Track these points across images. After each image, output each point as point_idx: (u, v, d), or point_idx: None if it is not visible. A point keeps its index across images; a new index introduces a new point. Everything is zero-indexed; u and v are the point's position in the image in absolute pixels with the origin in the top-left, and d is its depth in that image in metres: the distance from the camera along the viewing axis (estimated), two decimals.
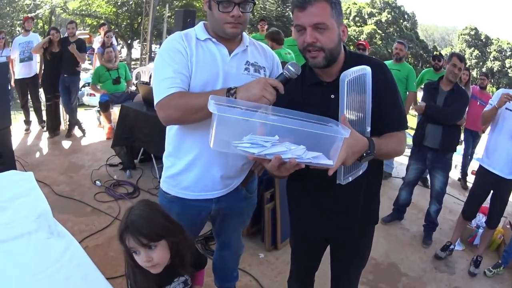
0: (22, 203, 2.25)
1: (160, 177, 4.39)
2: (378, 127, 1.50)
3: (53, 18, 25.44)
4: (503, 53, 35.33)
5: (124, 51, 24.62)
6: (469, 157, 6.02)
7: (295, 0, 1.43)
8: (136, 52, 25.66)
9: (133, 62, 23.41)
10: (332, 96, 1.52)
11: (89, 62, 12.58)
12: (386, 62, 5.10)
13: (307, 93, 1.56)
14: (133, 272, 1.50)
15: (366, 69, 1.42)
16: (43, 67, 5.94)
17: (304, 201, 1.78)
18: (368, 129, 1.47)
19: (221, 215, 1.95)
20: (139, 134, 4.42)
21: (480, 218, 4.10)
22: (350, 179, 1.47)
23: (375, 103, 1.47)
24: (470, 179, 5.62)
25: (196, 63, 1.61)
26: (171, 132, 1.79)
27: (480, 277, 3.51)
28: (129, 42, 25.77)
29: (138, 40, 23.87)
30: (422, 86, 5.37)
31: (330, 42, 1.43)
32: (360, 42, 5.61)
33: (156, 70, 1.63)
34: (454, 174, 5.53)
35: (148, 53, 14.26)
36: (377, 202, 1.82)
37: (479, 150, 6.21)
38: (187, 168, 1.75)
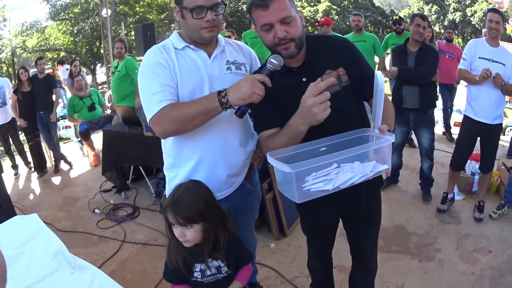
0: (35, 246, 2.21)
1: (155, 192, 4.47)
2: (365, 93, 1.58)
3: (15, 59, 25.10)
4: (463, 3, 35.28)
5: (89, 78, 24.33)
6: (449, 110, 6.14)
7: (255, 1, 1.46)
8: (100, 77, 25.39)
9: (99, 87, 23.13)
10: (304, 79, 1.57)
11: None
12: (348, 36, 5.15)
13: (279, 81, 1.57)
14: (170, 242, 1.71)
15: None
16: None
17: None
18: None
19: (232, 213, 1.97)
20: (129, 153, 4.42)
21: (474, 165, 4.18)
22: None
23: (355, 72, 1.57)
24: (454, 131, 5.75)
25: (180, 73, 1.64)
26: (168, 143, 1.81)
27: (486, 221, 3.59)
28: (92, 67, 25.53)
29: (100, 64, 23.67)
30: (388, 52, 5.47)
31: (298, 31, 1.50)
32: (321, 20, 5.58)
33: (142, 88, 1.64)
34: (437, 129, 5.64)
35: None
36: None
37: (457, 102, 6.36)
38: (192, 174, 1.78)
